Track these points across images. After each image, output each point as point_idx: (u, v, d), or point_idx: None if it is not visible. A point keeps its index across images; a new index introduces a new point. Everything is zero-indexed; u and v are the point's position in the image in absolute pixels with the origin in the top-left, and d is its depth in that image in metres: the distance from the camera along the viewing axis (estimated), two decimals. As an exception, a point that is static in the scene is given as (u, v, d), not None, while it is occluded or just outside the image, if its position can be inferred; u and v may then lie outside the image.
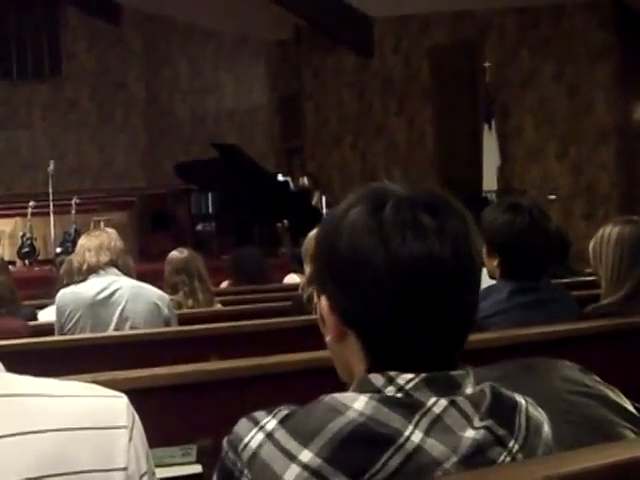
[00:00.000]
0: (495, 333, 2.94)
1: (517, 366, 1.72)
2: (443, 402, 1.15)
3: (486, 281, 3.27)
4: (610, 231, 3.15)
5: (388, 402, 1.14)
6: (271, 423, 1.15)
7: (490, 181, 12.27)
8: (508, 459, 1.18)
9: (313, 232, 4.92)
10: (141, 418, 1.09)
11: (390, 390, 1.16)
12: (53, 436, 0.99)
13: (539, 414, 1.26)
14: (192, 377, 2.54)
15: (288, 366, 2.39)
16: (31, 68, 17.51)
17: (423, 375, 1.16)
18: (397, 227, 1.15)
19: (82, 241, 4.37)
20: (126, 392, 1.09)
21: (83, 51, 17.43)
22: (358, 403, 1.14)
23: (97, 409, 1.05)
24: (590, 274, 4.19)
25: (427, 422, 1.13)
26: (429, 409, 1.14)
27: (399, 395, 1.15)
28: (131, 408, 1.08)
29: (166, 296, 4.42)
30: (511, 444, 1.18)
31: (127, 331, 4.11)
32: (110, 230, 4.48)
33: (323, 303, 1.25)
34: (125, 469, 1.03)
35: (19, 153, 17.11)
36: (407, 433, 1.12)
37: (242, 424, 1.19)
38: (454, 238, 1.17)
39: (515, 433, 1.19)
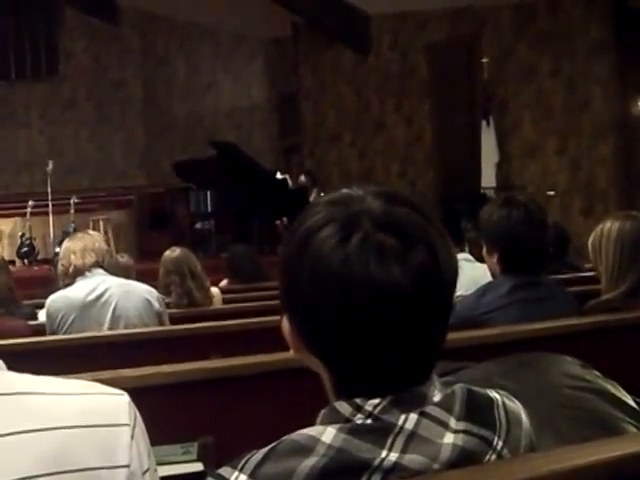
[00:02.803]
0: (495, 329, 2.94)
1: (518, 361, 1.72)
2: (413, 416, 1.13)
3: (487, 278, 3.27)
4: (610, 226, 3.15)
5: (358, 431, 1.12)
6: (241, 479, 1.10)
7: (488, 177, 12.27)
8: (494, 457, 1.17)
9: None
10: (142, 416, 1.09)
11: (359, 418, 1.13)
12: (55, 434, 0.99)
13: (515, 405, 1.25)
14: (193, 375, 2.54)
15: (289, 364, 2.38)
16: (29, 67, 17.51)
17: (389, 397, 1.14)
18: (363, 258, 1.12)
19: (66, 244, 4.37)
20: (127, 390, 1.09)
21: (81, 50, 17.43)
22: (326, 436, 1.11)
23: (98, 407, 1.05)
24: (590, 270, 4.20)
25: (402, 441, 1.12)
26: (401, 428, 1.12)
27: (369, 421, 1.13)
28: (132, 406, 1.08)
29: (154, 290, 4.44)
30: (495, 442, 1.18)
31: (127, 330, 4.11)
32: (93, 232, 4.53)
33: (284, 324, 1.22)
34: (128, 466, 1.03)
35: (17, 153, 17.12)
36: (382, 456, 1.10)
37: None
38: (419, 268, 1.13)
39: (497, 430, 1.18)
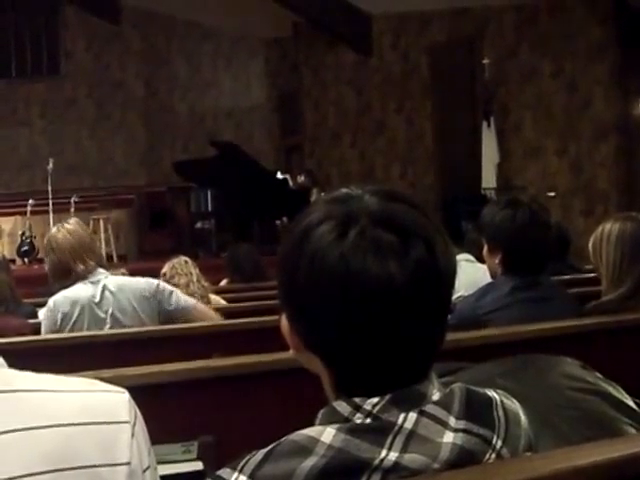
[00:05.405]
0: (496, 330, 2.94)
1: (518, 362, 1.72)
2: (413, 415, 1.13)
3: (486, 280, 3.28)
4: (610, 228, 3.15)
5: (358, 431, 1.11)
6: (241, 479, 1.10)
7: (489, 178, 12.27)
8: (493, 456, 1.17)
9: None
10: (143, 415, 1.09)
11: (358, 417, 1.13)
12: (55, 432, 0.99)
13: (513, 404, 1.25)
14: (194, 374, 2.54)
15: (290, 363, 2.39)
16: (30, 66, 17.49)
17: (388, 396, 1.14)
18: (359, 253, 1.12)
19: (59, 240, 4.17)
20: (128, 389, 1.09)
21: (82, 49, 17.41)
22: (326, 436, 1.11)
23: (99, 404, 1.05)
24: (590, 271, 4.20)
25: (402, 440, 1.11)
26: (401, 427, 1.12)
27: (368, 421, 1.13)
28: (133, 403, 1.08)
29: (152, 281, 4.28)
30: (494, 441, 1.17)
31: (128, 329, 4.09)
32: (72, 220, 4.34)
33: (283, 322, 1.23)
34: (128, 464, 1.02)
35: (18, 151, 17.09)
36: (382, 456, 1.10)
37: None
38: (417, 263, 1.13)
39: (496, 429, 1.18)
